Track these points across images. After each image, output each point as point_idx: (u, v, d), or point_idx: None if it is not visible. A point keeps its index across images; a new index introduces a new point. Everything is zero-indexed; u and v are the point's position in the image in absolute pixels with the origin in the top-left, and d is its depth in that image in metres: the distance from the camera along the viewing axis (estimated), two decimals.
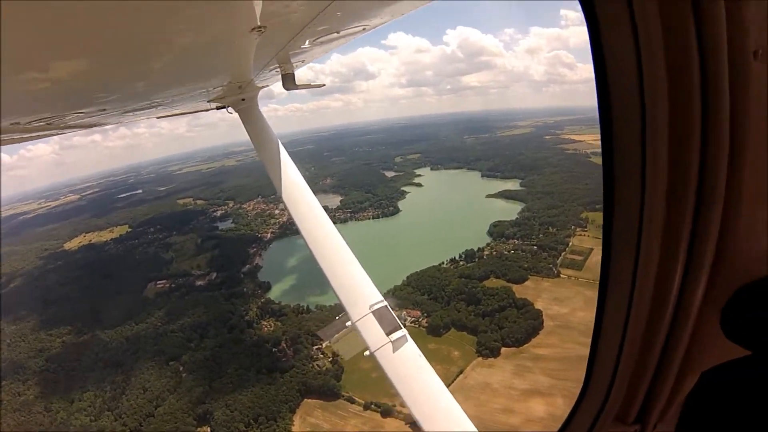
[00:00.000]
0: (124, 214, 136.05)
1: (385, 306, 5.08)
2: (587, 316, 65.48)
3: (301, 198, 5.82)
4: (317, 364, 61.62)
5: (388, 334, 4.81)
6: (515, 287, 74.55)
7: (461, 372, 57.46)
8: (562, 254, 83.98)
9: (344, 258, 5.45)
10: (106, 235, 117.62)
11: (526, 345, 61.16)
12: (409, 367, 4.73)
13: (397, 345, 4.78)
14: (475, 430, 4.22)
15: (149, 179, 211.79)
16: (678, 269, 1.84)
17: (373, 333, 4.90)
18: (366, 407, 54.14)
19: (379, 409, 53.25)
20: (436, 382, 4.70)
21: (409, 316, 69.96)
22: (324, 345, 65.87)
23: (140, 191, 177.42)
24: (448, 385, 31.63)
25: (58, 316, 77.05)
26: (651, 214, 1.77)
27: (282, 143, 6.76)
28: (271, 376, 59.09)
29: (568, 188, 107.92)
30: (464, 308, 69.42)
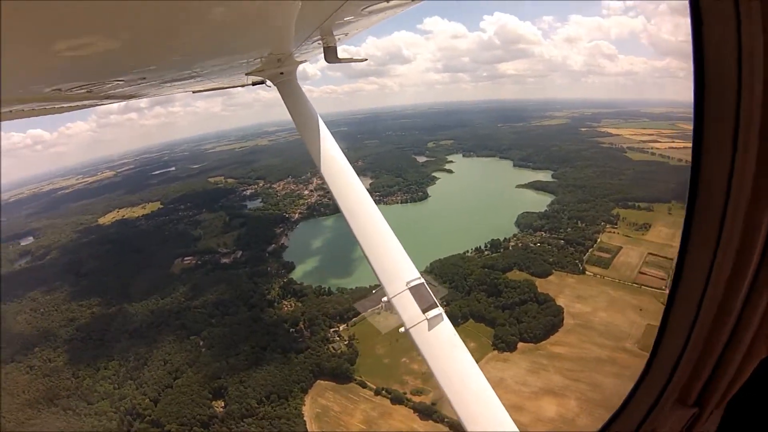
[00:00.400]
0: (157, 191, 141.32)
1: (423, 283, 4.99)
2: (609, 317, 63.92)
3: (340, 172, 5.81)
4: (333, 347, 62.57)
5: (424, 312, 4.75)
6: (538, 281, 73.19)
7: None
8: (590, 251, 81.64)
9: (382, 233, 5.40)
10: (138, 211, 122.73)
11: (543, 342, 60.03)
12: (444, 346, 4.69)
13: (432, 323, 4.72)
14: (503, 409, 4.25)
15: (183, 157, 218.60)
16: (754, 259, 1.89)
17: (408, 310, 4.82)
18: (377, 393, 54.72)
19: (389, 396, 53.69)
20: (470, 362, 4.67)
21: None
22: (341, 328, 67.20)
23: (173, 169, 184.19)
24: None
25: (89, 288, 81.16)
26: (735, 207, 1.82)
27: None
28: (286, 356, 60.38)
29: (601, 183, 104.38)
30: (484, 299, 68.73)
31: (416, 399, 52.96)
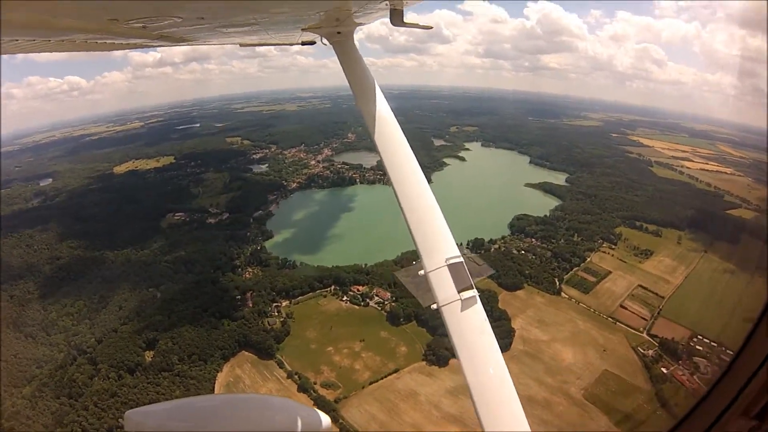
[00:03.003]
0: (175, 145, 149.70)
1: (462, 262, 4.98)
2: (564, 351, 59.25)
3: (393, 140, 5.86)
4: (268, 321, 64.14)
5: (459, 292, 4.75)
6: (503, 294, 69.68)
7: (396, 371, 55.50)
8: (574, 269, 74.98)
9: (428, 206, 5.46)
10: (151, 164, 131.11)
11: None
12: (473, 330, 4.70)
13: (466, 305, 4.72)
14: (520, 407, 4.32)
15: (210, 114, 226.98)
16: None
17: (444, 287, 4.82)
18: (289, 375, 55.97)
19: (299, 382, 54.19)
20: (495, 351, 4.65)
21: (377, 296, 68.77)
22: (284, 304, 68.03)
23: (198, 125, 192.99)
24: (376, 381, 46.25)
25: (80, 232, 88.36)
26: None
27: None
28: (220, 322, 62.75)
29: (613, 195, 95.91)
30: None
31: (322, 391, 53.03)
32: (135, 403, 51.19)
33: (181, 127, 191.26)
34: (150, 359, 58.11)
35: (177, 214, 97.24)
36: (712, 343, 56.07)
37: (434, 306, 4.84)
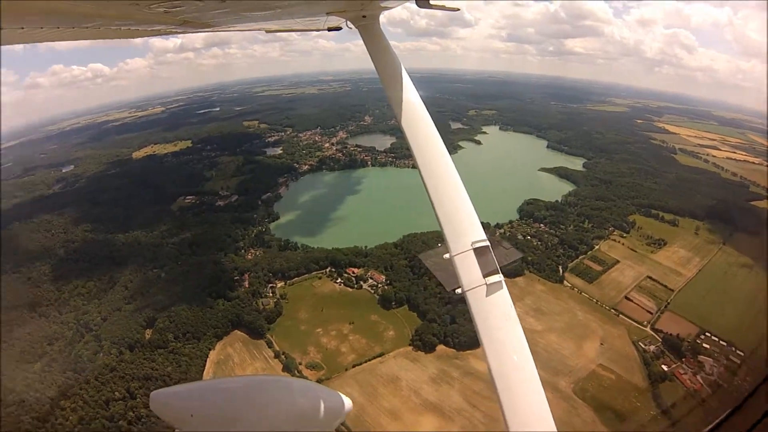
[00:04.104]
0: (193, 129, 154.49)
1: (488, 246, 5.03)
2: (559, 343, 57.90)
3: (420, 123, 5.91)
4: (262, 302, 65.86)
5: (484, 276, 4.78)
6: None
7: (381, 355, 56.02)
8: (581, 257, 72.22)
9: (455, 190, 5.51)
10: (169, 148, 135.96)
11: (466, 351, 56.16)
12: (498, 315, 4.72)
13: (491, 289, 4.74)
14: (543, 393, 4.38)
15: (231, 98, 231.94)
16: None
17: (469, 271, 4.86)
18: (276, 355, 57.49)
19: (284, 362, 55.22)
20: (520, 338, 4.67)
21: (372, 279, 69.12)
22: (279, 285, 69.57)
23: (218, 109, 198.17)
24: (359, 364, 46.19)
25: (95, 216, 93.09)
26: None
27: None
28: (216, 301, 64.77)
29: (630, 182, 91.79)
30: (433, 287, 66.18)
31: (306, 372, 54.13)
32: (131, 378, 54.45)
33: (201, 111, 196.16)
34: (149, 337, 61.13)
35: (188, 198, 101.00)
36: (721, 342, 53.59)
37: (459, 290, 4.81)
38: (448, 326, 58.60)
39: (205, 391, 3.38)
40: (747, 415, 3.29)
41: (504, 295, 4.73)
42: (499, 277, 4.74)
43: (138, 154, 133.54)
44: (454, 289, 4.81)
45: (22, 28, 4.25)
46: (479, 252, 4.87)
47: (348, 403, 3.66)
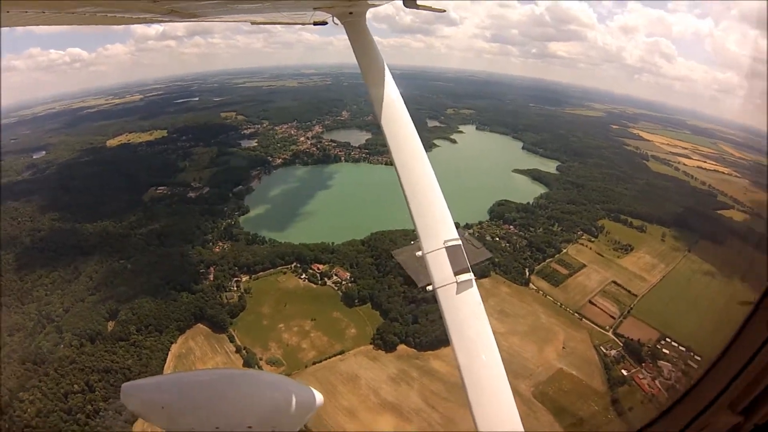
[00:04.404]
0: (170, 119, 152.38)
1: (460, 245, 5.19)
2: (521, 345, 58.51)
3: (399, 122, 6.07)
4: (226, 296, 65.76)
5: (455, 274, 4.91)
6: None
7: (341, 353, 56.40)
8: (548, 260, 73.39)
9: (430, 189, 5.66)
10: (144, 137, 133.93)
11: (427, 352, 56.63)
12: (467, 312, 4.84)
13: (461, 287, 4.87)
14: (509, 390, 4.56)
15: (211, 89, 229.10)
16: None
17: (441, 269, 4.99)
18: (238, 350, 57.65)
19: (245, 357, 55.18)
20: (488, 336, 4.80)
21: (336, 276, 69.20)
22: (244, 279, 69.25)
23: (197, 99, 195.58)
24: (320, 361, 47.09)
25: (63, 204, 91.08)
26: None
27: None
28: (179, 294, 64.16)
29: (602, 186, 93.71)
30: (397, 286, 66.44)
31: (266, 368, 54.11)
32: (90, 370, 53.71)
33: (179, 101, 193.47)
34: (111, 329, 60.43)
35: (160, 188, 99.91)
36: (681, 347, 54.96)
37: (429, 287, 4.93)
38: (409, 326, 59.05)
39: (176, 384, 3.34)
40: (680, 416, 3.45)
41: (473, 293, 4.88)
42: (469, 275, 4.90)
43: (112, 142, 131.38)
44: (425, 286, 4.95)
45: (8, 11, 4.26)
46: (451, 251, 5.01)
47: (319, 397, 3.71)
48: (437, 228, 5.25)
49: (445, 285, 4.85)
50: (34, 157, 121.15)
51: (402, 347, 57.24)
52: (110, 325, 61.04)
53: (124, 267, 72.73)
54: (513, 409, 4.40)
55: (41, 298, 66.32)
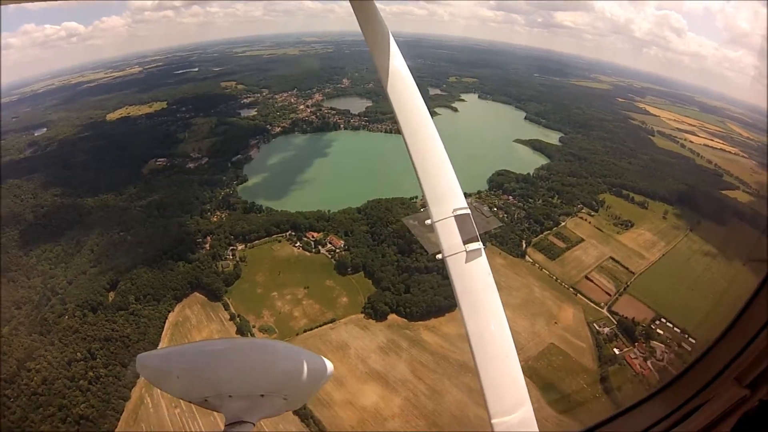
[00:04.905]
0: (169, 90, 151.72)
1: (468, 214, 5.18)
2: (512, 319, 56.98)
3: (405, 91, 6.00)
4: (222, 264, 67.23)
5: (464, 243, 4.89)
6: None
7: (332, 321, 57.65)
8: (545, 233, 73.05)
9: (439, 158, 5.68)
10: (144, 110, 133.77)
11: (418, 322, 57.45)
12: (476, 281, 4.88)
13: (470, 256, 4.87)
14: (517, 360, 4.65)
15: (211, 59, 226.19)
16: None
17: (450, 238, 4.98)
18: (231, 318, 59.18)
19: (238, 324, 56.66)
20: (496, 305, 4.87)
21: (330, 244, 70.09)
22: (239, 248, 70.54)
23: (196, 69, 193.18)
24: (311, 329, 49.34)
25: (64, 179, 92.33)
26: None
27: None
28: (176, 264, 65.89)
29: (604, 160, 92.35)
30: (391, 255, 67.13)
31: (258, 335, 55.24)
32: (92, 339, 55.85)
33: (179, 71, 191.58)
34: (111, 299, 62.39)
35: (159, 160, 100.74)
36: (675, 329, 54.53)
37: (439, 255, 4.94)
38: (401, 295, 59.97)
39: (190, 354, 3.42)
40: (670, 400, 3.59)
41: (482, 262, 4.87)
42: (478, 244, 4.87)
43: (112, 116, 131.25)
44: (434, 254, 4.96)
45: None
46: (460, 219, 4.99)
47: (330, 366, 3.78)
48: (446, 196, 5.24)
49: (454, 254, 4.83)
50: (35, 134, 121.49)
51: (393, 317, 58.26)
52: (111, 295, 62.86)
53: (123, 239, 74.45)
54: (521, 380, 4.46)
55: (46, 272, 68.29)
